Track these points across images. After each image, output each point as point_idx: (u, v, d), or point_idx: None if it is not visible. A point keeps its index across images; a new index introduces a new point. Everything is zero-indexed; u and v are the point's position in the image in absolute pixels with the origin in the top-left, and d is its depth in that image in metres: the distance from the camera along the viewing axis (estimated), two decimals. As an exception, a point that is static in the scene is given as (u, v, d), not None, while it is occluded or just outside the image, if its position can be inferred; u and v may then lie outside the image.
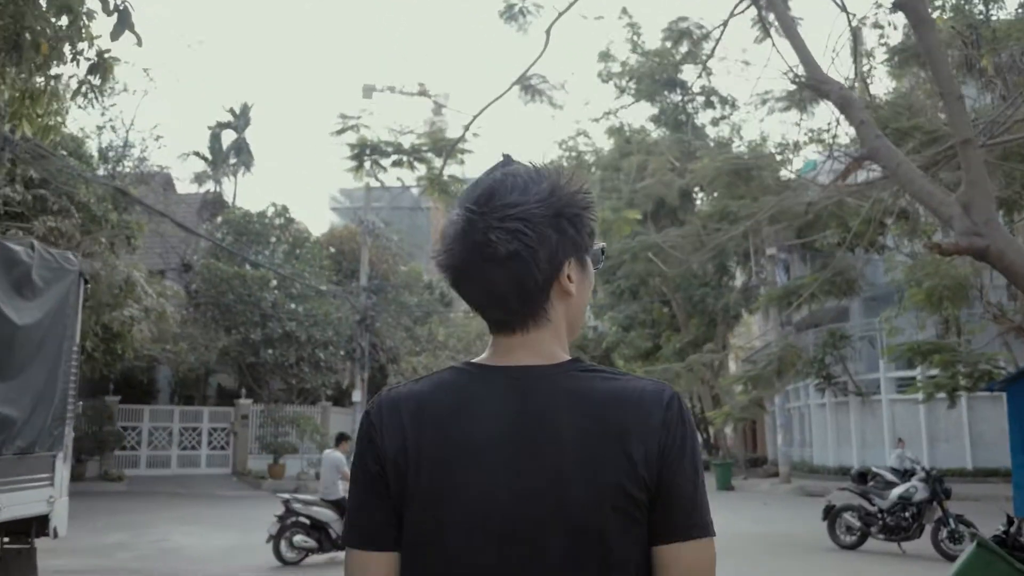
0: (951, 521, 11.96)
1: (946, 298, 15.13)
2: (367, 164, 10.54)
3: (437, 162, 10.84)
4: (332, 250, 35.00)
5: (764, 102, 13.71)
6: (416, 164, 10.62)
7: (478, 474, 1.32)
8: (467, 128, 10.37)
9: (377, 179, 10.90)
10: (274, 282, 28.26)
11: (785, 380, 15.08)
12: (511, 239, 1.34)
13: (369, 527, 1.38)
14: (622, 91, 31.68)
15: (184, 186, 37.51)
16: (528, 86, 12.24)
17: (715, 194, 17.10)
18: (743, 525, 16.39)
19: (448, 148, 10.48)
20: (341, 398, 32.91)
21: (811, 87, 9.06)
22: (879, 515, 12.65)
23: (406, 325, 35.65)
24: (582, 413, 1.33)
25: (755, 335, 40.92)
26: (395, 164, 10.48)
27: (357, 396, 30.39)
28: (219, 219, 29.97)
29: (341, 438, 12.57)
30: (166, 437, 28.86)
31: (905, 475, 24.23)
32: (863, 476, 13.47)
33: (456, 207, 1.42)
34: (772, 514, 19.94)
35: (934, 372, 19.90)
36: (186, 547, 13.70)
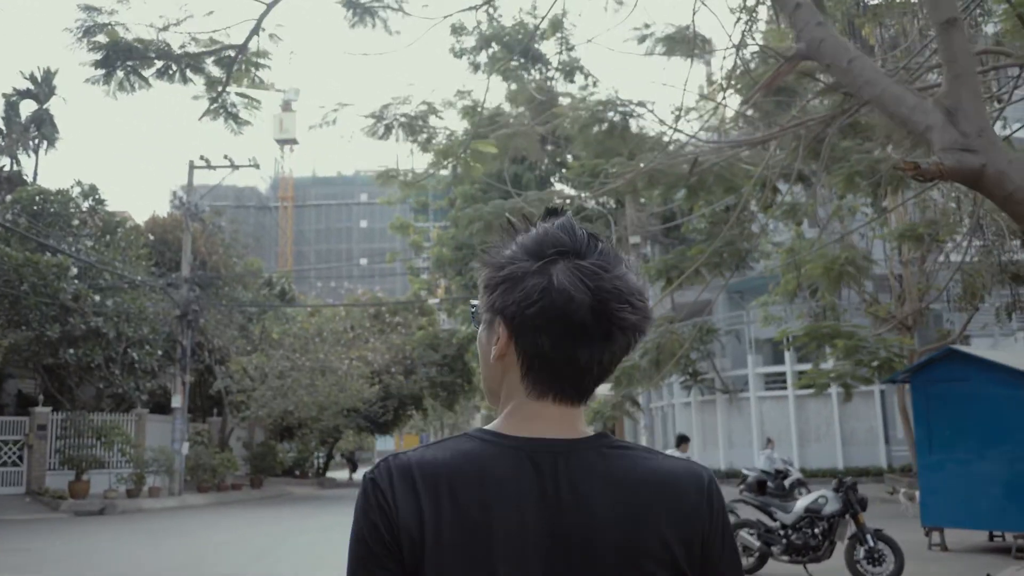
0: (869, 538, 9.88)
1: (831, 280, 13.24)
2: (121, 74, 7.62)
3: (219, 73, 8.06)
4: (151, 238, 31.15)
5: (642, 40, 11.39)
6: (191, 75, 7.80)
7: (502, 557, 1.22)
8: (258, 25, 7.55)
9: (132, 90, 7.85)
10: (74, 271, 24.38)
11: (664, 372, 12.79)
12: (642, 317, 1.30)
13: None
14: (476, 68, 29.25)
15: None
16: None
17: (582, 154, 14.98)
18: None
19: (236, 53, 7.73)
20: (165, 404, 29.12)
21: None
22: (782, 532, 10.47)
23: (239, 323, 32.22)
24: (615, 496, 1.25)
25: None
26: (161, 74, 7.63)
27: (176, 401, 26.87)
28: (8, 198, 25.86)
29: (682, 440, 12.74)
30: (-59, 453, 24.61)
31: (777, 476, 22.79)
32: (762, 485, 11.24)
33: (545, 253, 1.29)
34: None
35: (824, 364, 18.22)
36: None
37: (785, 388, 25.29)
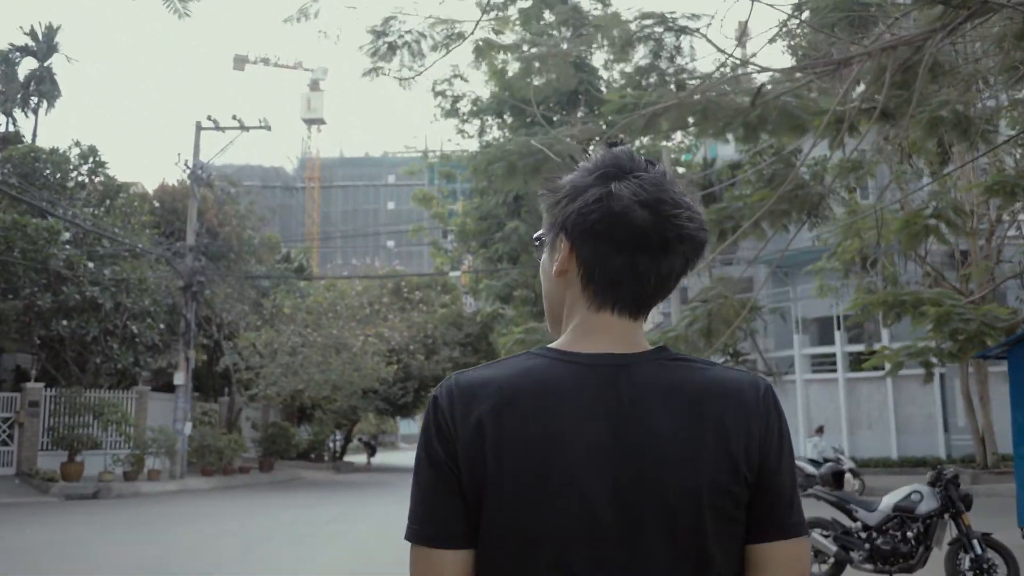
0: (976, 544, 7.89)
1: (911, 237, 11.14)
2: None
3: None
4: (157, 205, 29.45)
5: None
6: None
7: (568, 472, 1.24)
8: None
9: None
10: (66, 235, 22.69)
11: (717, 344, 10.82)
12: (699, 227, 1.34)
13: (440, 522, 1.29)
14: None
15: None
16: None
17: (623, 79, 13.03)
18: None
19: None
20: (170, 381, 27.44)
21: None
22: (864, 534, 8.49)
23: (252, 298, 30.52)
24: (677, 406, 1.28)
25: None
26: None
27: (179, 378, 25.19)
28: (-1, 157, 24.21)
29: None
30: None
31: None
32: (838, 476, 9.24)
33: (610, 172, 1.34)
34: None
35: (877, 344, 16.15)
36: None
37: (835, 370, 23.18)
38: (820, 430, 21.02)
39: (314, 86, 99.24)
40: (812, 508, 9.32)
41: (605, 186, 1.31)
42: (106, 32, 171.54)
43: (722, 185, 20.98)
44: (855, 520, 8.57)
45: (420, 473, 1.31)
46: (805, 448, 21.10)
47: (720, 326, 10.95)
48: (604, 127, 11.19)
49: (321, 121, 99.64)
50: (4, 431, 23.59)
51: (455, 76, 30.66)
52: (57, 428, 23.72)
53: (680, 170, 26.93)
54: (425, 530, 1.29)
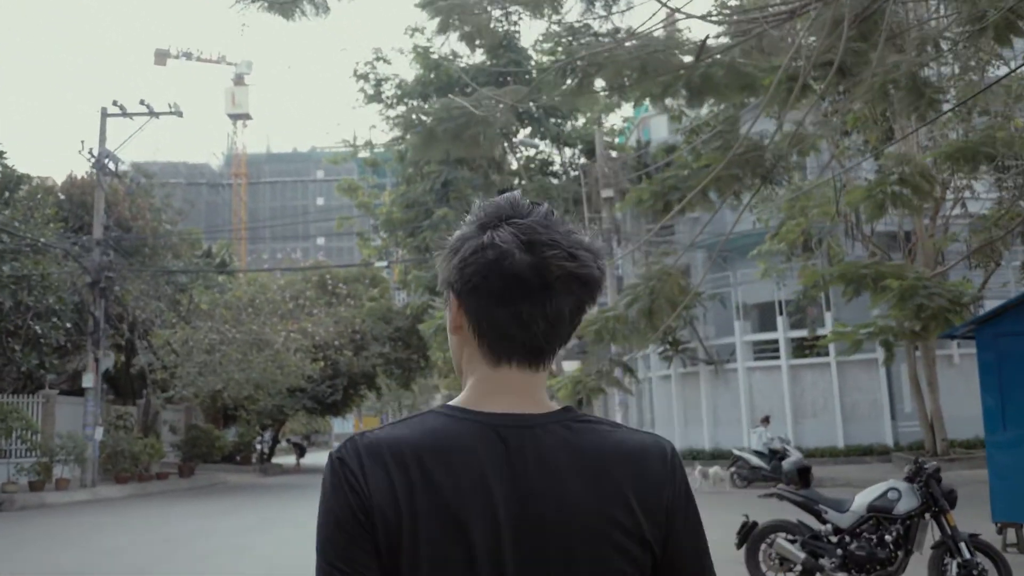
0: (964, 547, 6.98)
1: (874, 207, 10.22)
2: None
3: None
4: (62, 198, 27.62)
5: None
6: None
7: (474, 536, 1.22)
8: None
9: None
10: (-44, 230, 20.94)
11: (661, 327, 9.83)
12: (581, 265, 1.29)
13: None
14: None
15: None
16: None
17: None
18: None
19: None
20: (78, 385, 25.71)
21: None
22: (835, 538, 7.53)
23: (168, 294, 28.86)
24: (583, 470, 1.26)
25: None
26: None
27: (88, 380, 23.52)
28: None
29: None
30: None
31: (772, 456, 19.98)
32: (804, 473, 8.33)
33: (492, 219, 1.31)
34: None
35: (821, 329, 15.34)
36: None
37: (778, 357, 22.44)
38: (766, 420, 20.25)
39: (238, 80, 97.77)
40: (776, 510, 8.37)
41: (480, 236, 1.29)
42: (15, 24, 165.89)
43: (657, 166, 20.16)
44: (824, 523, 7.62)
45: (333, 536, 1.24)
46: (750, 439, 20.33)
47: (664, 306, 9.95)
48: (534, 89, 10.02)
49: (247, 116, 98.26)
50: None
51: (378, 59, 29.35)
52: (-46, 438, 21.95)
53: (613, 154, 26.01)
54: None
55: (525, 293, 1.26)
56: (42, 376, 24.47)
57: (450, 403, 1.33)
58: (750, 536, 7.87)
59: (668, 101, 10.38)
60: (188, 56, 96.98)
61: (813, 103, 10.71)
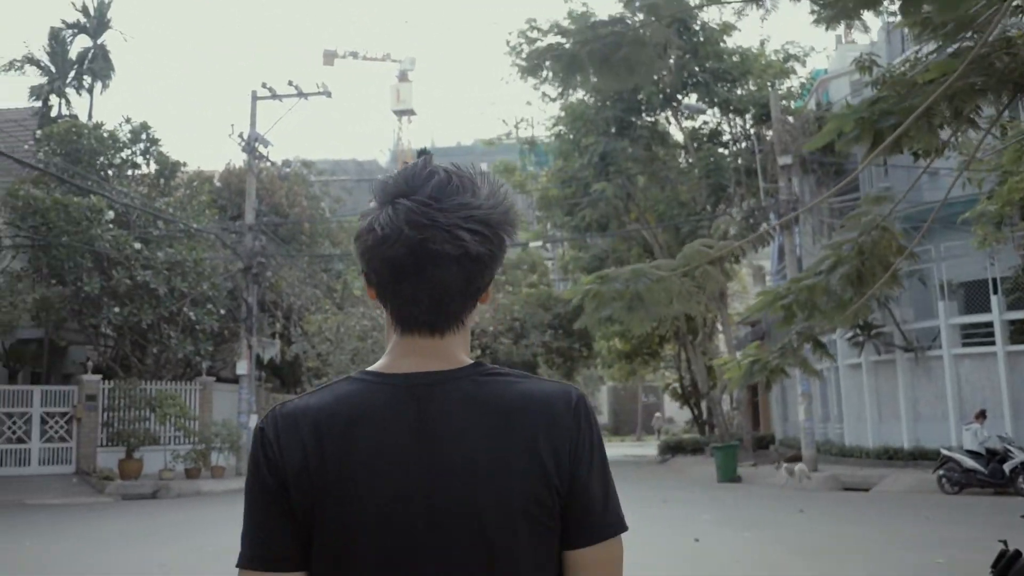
0: None
1: None
2: None
3: None
4: (217, 184, 27.53)
5: None
6: None
7: (383, 493, 1.27)
8: None
9: None
10: (110, 214, 20.76)
11: (870, 295, 7.78)
12: (477, 241, 1.30)
13: (271, 548, 1.30)
14: None
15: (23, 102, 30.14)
16: None
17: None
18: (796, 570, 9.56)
19: None
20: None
21: None
22: None
23: (325, 281, 28.46)
24: (488, 420, 1.30)
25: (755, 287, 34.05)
26: None
27: (242, 368, 23.16)
28: (38, 133, 22.47)
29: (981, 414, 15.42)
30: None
31: (991, 458, 17.23)
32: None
33: (386, 197, 1.33)
34: (832, 532, 12.78)
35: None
36: None
37: (992, 343, 19.49)
38: (982, 415, 17.49)
39: (403, 77, 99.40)
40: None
41: (369, 215, 1.33)
42: (195, 30, 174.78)
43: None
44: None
45: (252, 501, 1.31)
46: (961, 437, 17.63)
47: (876, 268, 7.89)
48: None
49: (411, 111, 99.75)
50: (62, 427, 21.96)
51: (533, 28, 27.95)
52: (114, 423, 22.07)
53: (790, 119, 23.55)
54: (258, 553, 1.30)
55: (404, 275, 1.29)
56: (199, 363, 24.36)
57: (366, 368, 1.36)
58: (1012, 570, 5.75)
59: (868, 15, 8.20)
60: (354, 55, 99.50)
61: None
